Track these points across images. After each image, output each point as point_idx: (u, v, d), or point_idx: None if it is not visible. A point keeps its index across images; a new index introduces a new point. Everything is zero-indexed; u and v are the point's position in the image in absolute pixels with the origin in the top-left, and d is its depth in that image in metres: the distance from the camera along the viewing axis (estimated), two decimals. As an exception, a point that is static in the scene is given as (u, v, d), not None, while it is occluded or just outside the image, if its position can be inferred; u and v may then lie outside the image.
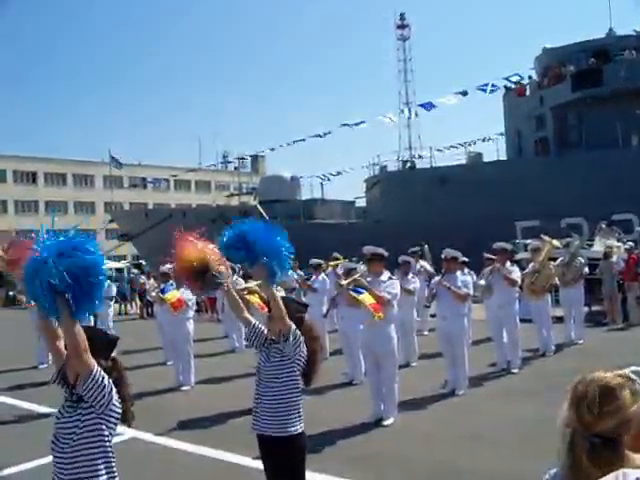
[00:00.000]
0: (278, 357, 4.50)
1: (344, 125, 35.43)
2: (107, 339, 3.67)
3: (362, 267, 10.17)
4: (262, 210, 36.69)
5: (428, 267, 15.82)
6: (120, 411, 3.43)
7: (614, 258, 17.17)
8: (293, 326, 4.45)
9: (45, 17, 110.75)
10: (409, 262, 12.62)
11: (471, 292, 10.04)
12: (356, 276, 8.51)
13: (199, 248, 4.47)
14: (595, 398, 1.91)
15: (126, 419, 3.56)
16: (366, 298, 8.01)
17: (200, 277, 4.48)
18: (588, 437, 1.89)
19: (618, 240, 20.06)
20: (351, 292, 8.23)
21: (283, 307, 4.44)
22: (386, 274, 8.49)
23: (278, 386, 4.44)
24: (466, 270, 10.57)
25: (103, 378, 3.29)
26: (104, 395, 3.29)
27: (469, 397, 9.38)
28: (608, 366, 2.09)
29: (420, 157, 38.00)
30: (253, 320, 4.73)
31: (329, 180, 41.22)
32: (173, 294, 11.14)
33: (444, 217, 27.73)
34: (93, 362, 3.27)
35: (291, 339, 4.41)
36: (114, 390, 3.36)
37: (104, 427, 3.34)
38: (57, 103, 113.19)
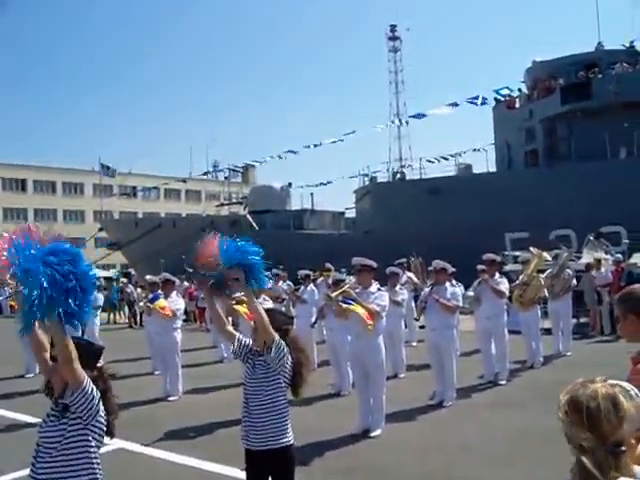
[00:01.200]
0: (263, 369, 4.46)
1: (335, 142, 35.64)
2: (92, 349, 3.64)
3: (351, 279, 10.16)
4: (252, 220, 36.71)
5: (415, 278, 15.84)
6: (105, 422, 3.41)
7: (602, 270, 17.28)
8: (277, 337, 4.40)
9: (43, 18, 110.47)
10: (397, 273, 12.62)
11: (460, 304, 10.05)
12: (345, 287, 8.49)
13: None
14: (610, 409, 1.94)
15: (110, 430, 3.53)
16: (357, 307, 8.01)
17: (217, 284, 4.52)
18: (610, 448, 1.92)
19: (606, 252, 20.17)
20: (341, 303, 8.21)
21: (265, 317, 4.41)
22: (375, 286, 8.47)
23: (265, 399, 4.40)
24: (454, 281, 10.57)
25: (92, 389, 3.28)
26: (92, 406, 3.28)
27: (457, 408, 9.37)
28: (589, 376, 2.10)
29: (410, 167, 38.09)
30: (236, 333, 4.71)
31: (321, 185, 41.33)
32: (162, 302, 11.10)
33: (434, 228, 27.77)
34: (83, 373, 3.25)
35: (273, 350, 4.36)
36: (100, 404, 3.34)
37: (90, 438, 3.32)
38: (44, 109, 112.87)
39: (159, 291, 11.67)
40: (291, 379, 4.50)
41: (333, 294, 8.44)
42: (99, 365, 3.59)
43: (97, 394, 3.31)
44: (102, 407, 3.36)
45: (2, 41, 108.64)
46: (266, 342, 4.41)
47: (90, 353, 3.55)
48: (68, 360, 3.19)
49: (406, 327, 14.22)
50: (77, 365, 3.22)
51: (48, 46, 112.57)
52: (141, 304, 12.98)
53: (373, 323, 7.94)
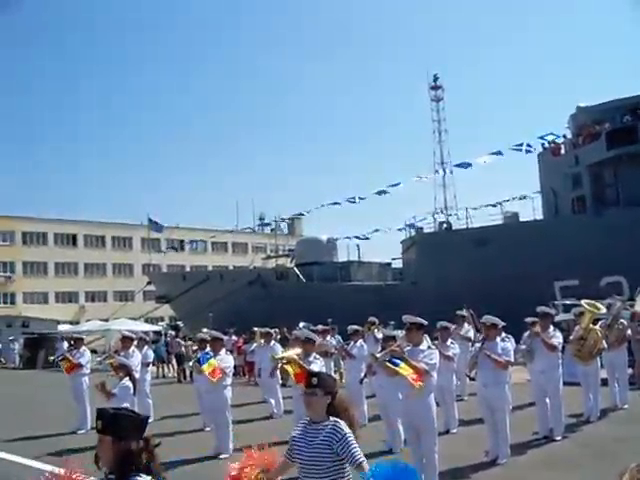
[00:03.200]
0: (321, 437, 4.39)
1: (379, 193, 35.87)
2: (136, 420, 3.57)
3: (399, 334, 10.12)
4: (299, 273, 36.89)
5: (471, 333, 15.48)
6: None
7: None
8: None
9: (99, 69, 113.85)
10: (448, 327, 12.52)
11: (512, 359, 9.90)
12: (393, 347, 8.42)
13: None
14: None
15: None
16: (404, 369, 7.94)
17: None
18: None
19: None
20: (387, 364, 8.16)
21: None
22: (425, 343, 8.42)
23: (328, 467, 4.34)
24: (504, 334, 10.44)
25: None
26: None
27: (511, 466, 9.16)
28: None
29: (457, 216, 38.03)
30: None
31: (367, 239, 41.43)
32: (210, 364, 11.11)
33: (481, 278, 27.61)
34: None
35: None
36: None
37: None
38: (90, 164, 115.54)
39: (208, 348, 11.72)
40: None
41: (379, 354, 8.37)
42: (145, 436, 3.53)
43: None
44: None
45: (55, 96, 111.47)
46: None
47: (136, 424, 3.51)
48: None
49: (458, 381, 14.05)
50: None
51: (98, 100, 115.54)
52: (190, 364, 13.04)
53: (421, 383, 7.87)
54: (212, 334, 12.27)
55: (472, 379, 9.92)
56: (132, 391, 11.04)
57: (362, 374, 11.24)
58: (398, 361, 8.03)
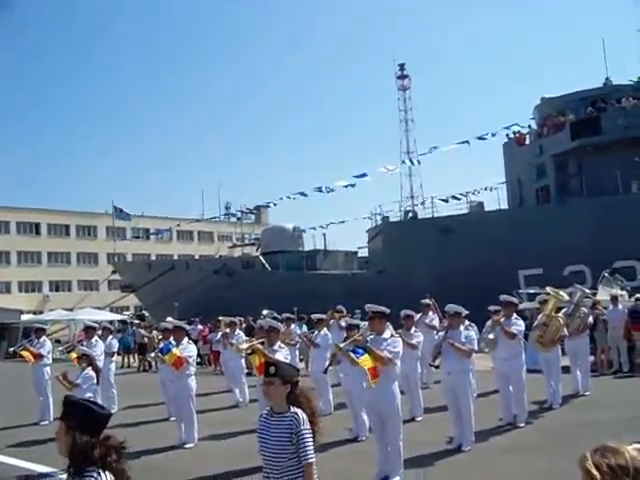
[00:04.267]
0: (286, 425, 4.39)
1: (346, 187, 35.93)
2: (98, 413, 3.46)
3: (365, 323, 10.13)
4: (265, 261, 36.82)
5: (436, 321, 15.51)
6: None
7: (619, 306, 17.19)
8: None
9: (43, 61, 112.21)
10: (412, 316, 12.57)
11: (475, 347, 9.97)
12: (356, 336, 8.44)
13: None
14: None
15: None
16: (365, 361, 7.96)
17: None
18: None
19: (621, 288, 20.06)
20: (350, 354, 8.19)
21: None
22: (388, 332, 8.45)
23: (294, 455, 4.33)
24: (467, 323, 10.48)
25: None
26: None
27: (476, 452, 9.24)
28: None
29: (422, 205, 38.14)
30: None
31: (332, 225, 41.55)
32: (173, 354, 11.03)
33: (447, 267, 27.81)
34: None
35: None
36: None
37: None
38: (54, 153, 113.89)
39: (170, 339, 11.62)
40: None
41: (342, 344, 8.37)
42: (107, 433, 3.44)
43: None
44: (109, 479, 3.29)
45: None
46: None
47: (91, 418, 3.41)
48: None
49: (425, 369, 14.14)
50: None
51: (46, 94, 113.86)
52: (152, 355, 12.96)
53: (382, 372, 7.94)
54: (174, 323, 12.19)
55: (436, 367, 9.97)
56: (95, 381, 10.94)
57: (326, 363, 11.25)
58: (361, 350, 8.05)
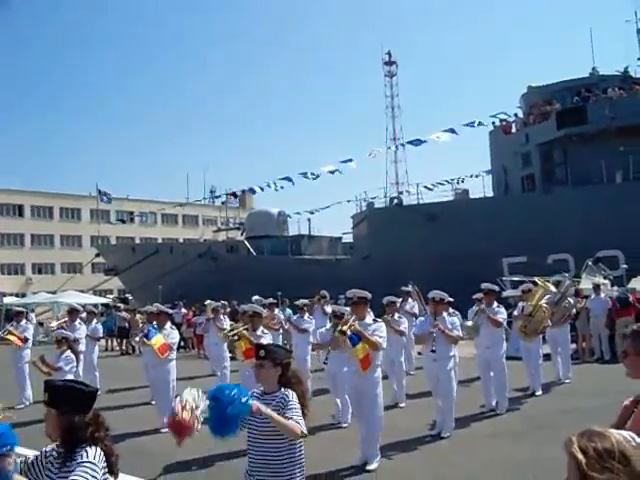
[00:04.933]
0: (272, 407, 4.33)
1: (332, 172, 35.86)
2: (86, 392, 3.53)
3: (347, 310, 10.14)
4: (249, 246, 36.75)
5: (416, 308, 15.59)
6: (104, 466, 3.35)
7: (601, 295, 17.31)
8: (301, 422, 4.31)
9: (35, 42, 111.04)
10: (395, 302, 12.57)
11: (460, 334, 10.00)
12: (351, 321, 8.37)
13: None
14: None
15: (112, 471, 3.46)
16: (359, 351, 7.97)
17: None
18: None
19: (605, 277, 20.20)
20: (348, 341, 8.16)
21: (288, 425, 4.21)
22: (370, 317, 8.49)
23: (282, 439, 4.32)
24: (451, 310, 10.52)
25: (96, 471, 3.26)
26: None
27: (457, 438, 9.29)
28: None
29: (408, 193, 38.16)
30: None
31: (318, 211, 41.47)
32: (157, 339, 10.97)
33: (431, 253, 27.86)
34: None
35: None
36: (101, 460, 3.31)
37: None
38: (40, 134, 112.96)
39: (154, 323, 11.55)
40: None
41: (345, 327, 8.22)
42: (94, 410, 3.51)
43: (99, 467, 3.27)
44: (100, 458, 3.31)
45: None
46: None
47: (83, 397, 3.48)
48: None
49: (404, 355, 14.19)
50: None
51: (45, 71, 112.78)
52: (137, 339, 12.89)
53: (367, 371, 8.00)
54: (157, 308, 12.10)
55: (419, 353, 10.00)
56: (74, 364, 10.86)
57: (309, 347, 11.23)
58: (356, 338, 8.05)
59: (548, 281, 13.18)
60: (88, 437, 3.33)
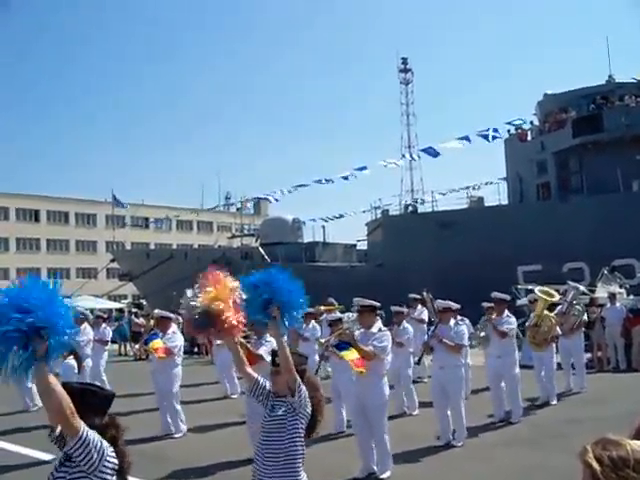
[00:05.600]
0: (282, 411, 4.43)
1: (346, 178, 35.85)
2: (102, 395, 3.53)
3: (349, 316, 10.07)
4: (264, 252, 36.74)
5: (425, 314, 15.40)
6: (115, 466, 3.28)
7: (617, 304, 17.17)
8: (299, 379, 4.41)
9: (45, 47, 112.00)
10: (402, 312, 12.45)
11: (465, 343, 9.86)
12: (341, 330, 8.33)
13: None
14: None
15: (122, 473, 3.41)
16: (349, 354, 7.89)
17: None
18: None
19: (620, 286, 20.03)
20: (333, 349, 8.12)
21: (291, 359, 4.42)
22: (377, 326, 8.32)
23: (282, 440, 4.34)
24: (459, 318, 10.37)
25: (91, 441, 3.14)
26: (92, 456, 3.13)
27: (469, 447, 9.19)
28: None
29: (422, 201, 38.05)
30: (255, 375, 4.67)
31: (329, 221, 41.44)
32: (155, 343, 10.93)
33: (446, 261, 27.74)
34: (79, 424, 3.12)
35: (297, 394, 4.38)
36: (107, 450, 3.22)
37: None
38: (55, 139, 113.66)
39: (154, 331, 11.51)
40: (309, 419, 4.48)
41: (323, 340, 8.26)
42: (110, 413, 3.48)
43: (100, 443, 3.18)
44: (110, 454, 3.23)
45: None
46: (289, 383, 4.41)
47: (100, 400, 3.46)
48: (58, 412, 3.08)
49: (418, 363, 14.04)
50: (72, 416, 3.09)
51: (49, 81, 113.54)
52: (137, 346, 12.85)
53: (368, 366, 7.84)
54: (159, 313, 12.04)
55: (417, 363, 9.99)
56: (76, 370, 10.83)
57: (316, 356, 11.14)
58: (345, 345, 7.97)
59: (558, 290, 13.01)
60: (108, 439, 3.29)
